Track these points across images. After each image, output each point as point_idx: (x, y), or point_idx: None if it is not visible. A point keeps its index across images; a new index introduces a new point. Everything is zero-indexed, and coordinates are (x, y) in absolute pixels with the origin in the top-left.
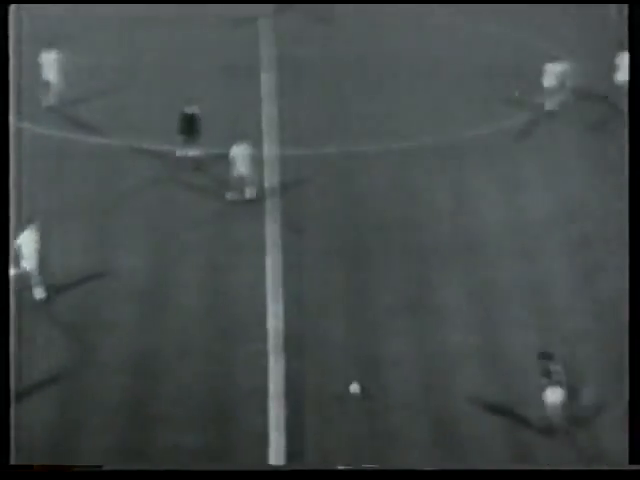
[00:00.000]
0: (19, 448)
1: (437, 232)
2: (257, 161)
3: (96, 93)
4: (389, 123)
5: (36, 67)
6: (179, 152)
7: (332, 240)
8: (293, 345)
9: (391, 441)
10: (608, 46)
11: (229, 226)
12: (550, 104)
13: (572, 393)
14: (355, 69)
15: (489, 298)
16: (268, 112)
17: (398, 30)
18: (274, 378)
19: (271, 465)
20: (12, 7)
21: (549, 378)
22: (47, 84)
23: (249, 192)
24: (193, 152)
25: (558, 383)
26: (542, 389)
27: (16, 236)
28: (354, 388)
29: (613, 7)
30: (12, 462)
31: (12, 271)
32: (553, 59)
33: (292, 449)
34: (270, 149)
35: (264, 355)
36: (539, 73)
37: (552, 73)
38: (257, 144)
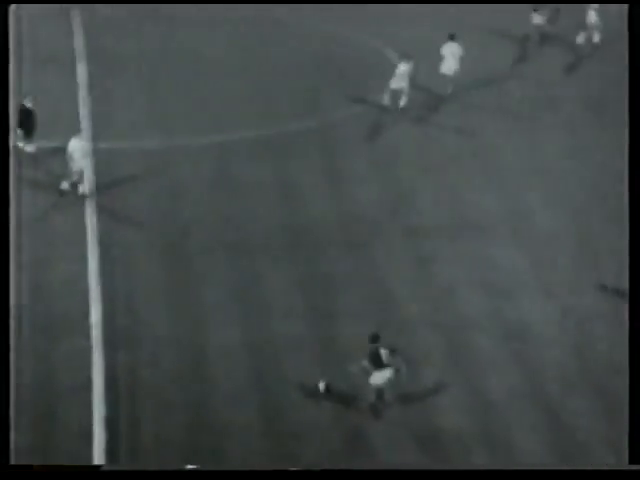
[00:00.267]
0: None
1: (264, 226)
2: (84, 155)
3: None
4: (212, 117)
5: None
6: (18, 146)
7: (156, 234)
8: (116, 340)
9: (223, 437)
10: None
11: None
12: (387, 100)
13: (401, 375)
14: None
15: (319, 289)
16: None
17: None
18: (97, 374)
19: (94, 465)
20: (12, 7)
21: (376, 360)
22: None
23: (81, 187)
24: (30, 147)
25: (387, 365)
26: (369, 372)
27: None
28: (322, 387)
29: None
30: (12, 462)
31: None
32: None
33: (113, 447)
34: (92, 143)
35: (87, 351)
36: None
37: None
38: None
